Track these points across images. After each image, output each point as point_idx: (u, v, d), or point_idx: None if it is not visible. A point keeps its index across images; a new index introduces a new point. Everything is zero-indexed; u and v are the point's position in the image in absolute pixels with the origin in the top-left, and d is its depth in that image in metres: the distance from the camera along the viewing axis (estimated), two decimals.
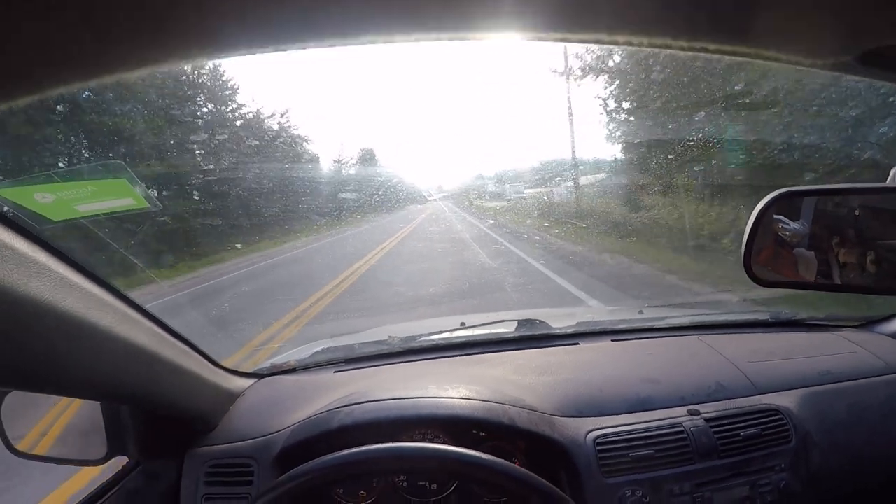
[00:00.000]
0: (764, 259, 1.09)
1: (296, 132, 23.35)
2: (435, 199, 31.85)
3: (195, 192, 17.42)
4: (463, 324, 2.01)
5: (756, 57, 0.37)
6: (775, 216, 1.04)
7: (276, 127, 22.07)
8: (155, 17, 0.27)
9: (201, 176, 16.89)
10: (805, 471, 1.40)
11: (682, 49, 0.37)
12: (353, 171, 28.67)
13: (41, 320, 0.75)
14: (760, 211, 1.02)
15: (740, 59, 0.37)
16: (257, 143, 20.41)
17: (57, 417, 1.44)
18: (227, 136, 18.57)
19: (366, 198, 18.12)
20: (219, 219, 16.91)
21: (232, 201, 17.60)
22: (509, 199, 23.80)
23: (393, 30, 0.32)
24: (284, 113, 23.80)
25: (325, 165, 25.96)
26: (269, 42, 0.32)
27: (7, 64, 0.29)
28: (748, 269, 1.06)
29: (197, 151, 17.49)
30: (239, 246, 16.14)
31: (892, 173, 1.04)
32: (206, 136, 17.98)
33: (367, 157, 30.75)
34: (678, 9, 0.32)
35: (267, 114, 21.88)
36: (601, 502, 1.29)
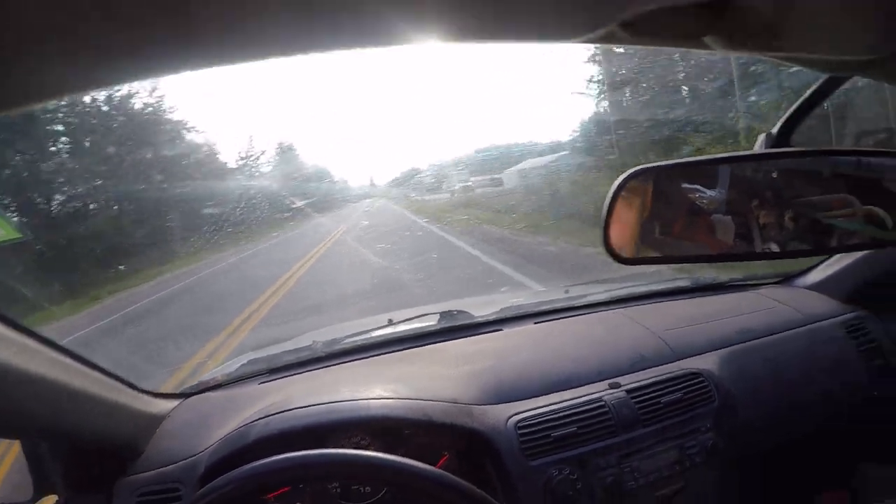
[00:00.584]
0: (677, 230, 1.09)
1: (190, 135, 21.96)
2: (368, 199, 30.72)
3: (75, 216, 16.53)
4: (390, 320, 1.99)
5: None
6: (690, 185, 1.04)
7: (167, 132, 20.65)
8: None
9: (79, 198, 16.05)
10: (730, 428, 1.45)
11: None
12: (268, 171, 26.96)
13: None
14: (614, 192, 1.02)
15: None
16: (148, 155, 19.25)
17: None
18: (112, 151, 17.66)
19: (282, 203, 17.52)
20: (99, 243, 15.96)
21: (125, 220, 16.92)
22: (452, 191, 23.14)
23: (312, 45, 0.32)
24: (166, 107, 21.29)
25: (236, 169, 24.43)
26: (190, 60, 0.31)
27: None
28: (608, 248, 1.05)
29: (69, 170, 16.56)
30: (123, 268, 15.33)
31: (759, 139, 1.07)
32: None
33: (287, 155, 29.03)
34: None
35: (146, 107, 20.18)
36: (529, 485, 1.29)
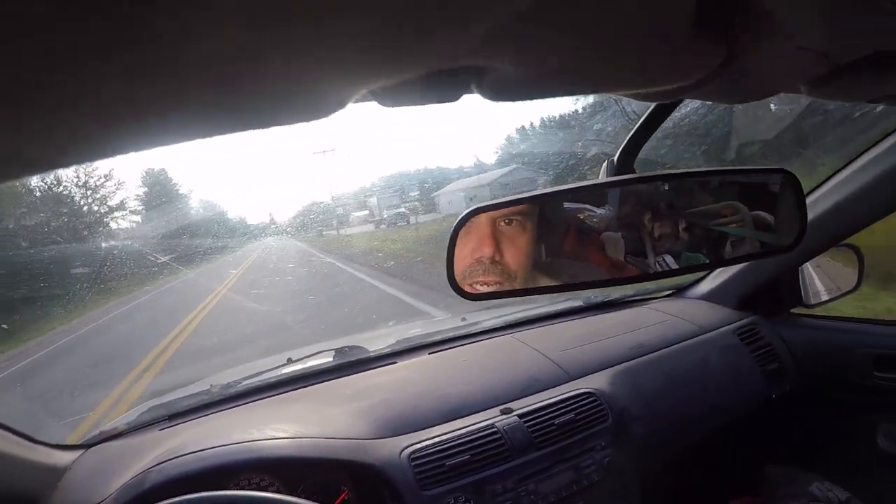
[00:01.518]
0: (568, 250, 1.08)
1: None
2: (266, 237, 29.50)
3: None
4: (289, 359, 1.96)
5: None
6: (573, 205, 1.04)
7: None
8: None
9: None
10: (627, 444, 1.47)
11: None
12: (141, 214, 24.31)
13: None
14: (454, 231, 1.03)
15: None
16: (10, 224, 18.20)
17: None
18: None
19: (156, 254, 16.60)
20: None
21: None
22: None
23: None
24: None
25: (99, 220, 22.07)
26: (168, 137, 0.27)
27: None
28: (454, 286, 1.06)
29: None
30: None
31: (602, 167, 1.08)
32: None
33: (163, 191, 26.08)
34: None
35: None
36: None
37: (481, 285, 1.03)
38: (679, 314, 1.80)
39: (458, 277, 1.03)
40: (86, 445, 1.63)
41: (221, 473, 1.33)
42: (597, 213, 1.04)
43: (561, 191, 1.01)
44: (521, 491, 1.34)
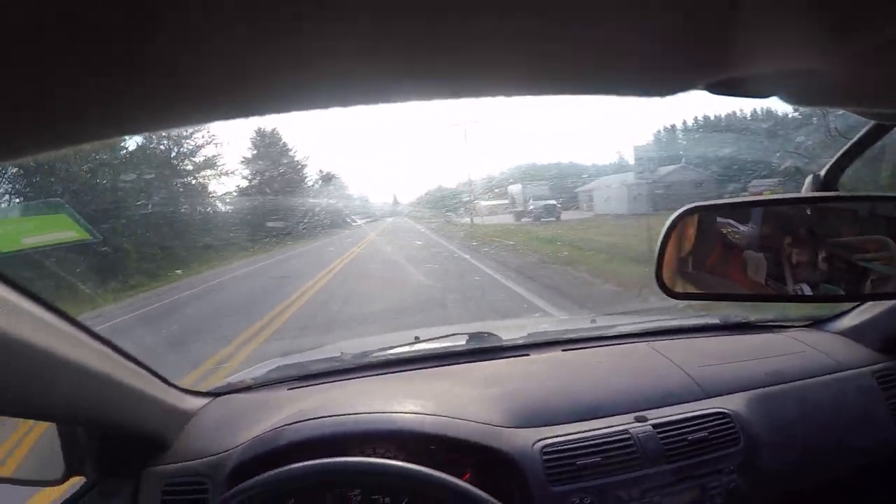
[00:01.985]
0: (711, 264, 1.09)
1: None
2: (390, 217, 29.05)
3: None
4: (417, 338, 2.00)
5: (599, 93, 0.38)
6: (722, 220, 1.04)
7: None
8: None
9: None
10: (754, 471, 1.42)
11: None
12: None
13: None
14: (668, 228, 1.05)
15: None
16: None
17: (22, 438, 1.43)
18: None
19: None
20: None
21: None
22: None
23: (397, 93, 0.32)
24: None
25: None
26: (287, 104, 0.32)
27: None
28: (660, 284, 1.08)
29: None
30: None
31: (806, 182, 1.06)
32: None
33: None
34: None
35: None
36: None
37: (688, 285, 1.06)
38: (817, 346, 1.72)
39: (665, 275, 1.06)
40: (214, 394, 1.70)
41: (355, 440, 1.36)
42: (739, 230, 1.04)
43: (779, 199, 1.03)
44: (644, 502, 1.32)
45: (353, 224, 23.76)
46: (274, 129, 26.10)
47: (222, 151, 28.29)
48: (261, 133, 25.67)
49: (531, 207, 20.59)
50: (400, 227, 25.94)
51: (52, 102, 0.27)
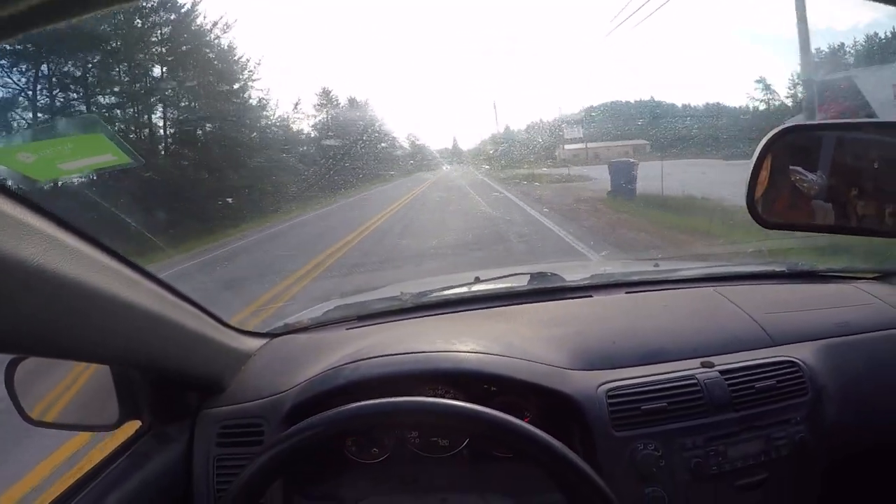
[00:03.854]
0: (780, 209, 1.08)
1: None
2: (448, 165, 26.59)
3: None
4: (477, 278, 1.99)
5: None
6: (792, 167, 1.03)
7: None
8: None
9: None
10: (821, 424, 1.39)
11: None
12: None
13: (43, 285, 0.75)
14: (762, 150, 1.01)
15: None
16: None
17: (72, 384, 1.41)
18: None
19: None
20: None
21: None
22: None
23: None
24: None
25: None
26: None
27: None
28: (751, 210, 1.06)
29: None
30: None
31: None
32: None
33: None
34: None
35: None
36: (612, 456, 1.27)
37: (782, 214, 1.05)
38: (885, 299, 1.67)
39: (756, 201, 1.04)
40: (271, 335, 1.70)
41: (414, 380, 1.36)
42: (807, 178, 1.03)
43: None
44: (709, 450, 1.29)
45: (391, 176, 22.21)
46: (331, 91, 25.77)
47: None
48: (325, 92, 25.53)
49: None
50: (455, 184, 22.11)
51: None
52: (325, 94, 25.27)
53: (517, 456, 1.35)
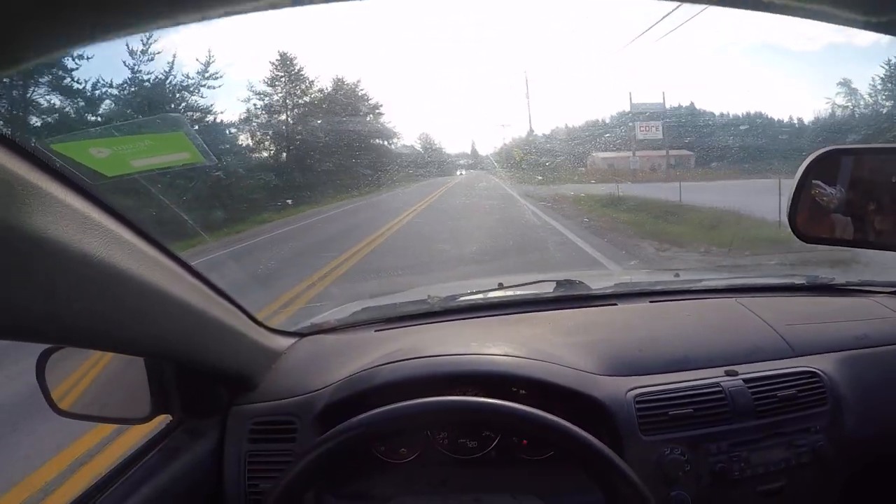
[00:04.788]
0: (801, 221, 1.12)
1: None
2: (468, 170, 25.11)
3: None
4: (501, 284, 2.02)
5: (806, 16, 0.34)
6: (813, 181, 1.07)
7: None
8: None
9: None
10: (838, 434, 1.41)
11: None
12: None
13: (92, 276, 0.77)
14: (805, 171, 1.06)
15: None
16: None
17: (86, 373, 1.42)
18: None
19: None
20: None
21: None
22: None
23: None
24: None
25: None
26: None
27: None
28: (792, 224, 1.11)
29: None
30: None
31: None
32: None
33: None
34: None
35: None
36: (640, 459, 1.29)
37: (823, 230, 1.09)
38: None
39: (798, 219, 1.10)
40: (300, 334, 1.72)
41: (449, 381, 1.38)
42: (826, 192, 1.07)
43: None
44: (733, 455, 1.32)
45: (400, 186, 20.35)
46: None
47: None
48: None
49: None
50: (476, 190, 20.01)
51: None
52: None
53: (553, 457, 1.42)
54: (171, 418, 1.43)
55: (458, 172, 25.64)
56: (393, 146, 24.51)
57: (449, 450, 1.45)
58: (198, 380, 1.40)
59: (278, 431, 1.39)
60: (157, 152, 1.49)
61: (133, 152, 1.45)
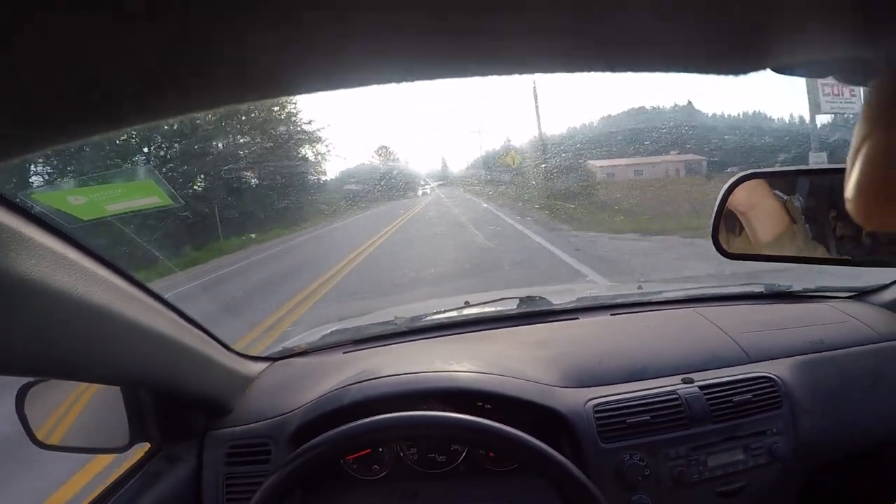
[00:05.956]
0: (762, 228, 1.16)
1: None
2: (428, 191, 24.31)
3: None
4: (466, 302, 2.05)
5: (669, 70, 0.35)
6: (776, 190, 1.10)
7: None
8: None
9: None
10: (794, 436, 1.46)
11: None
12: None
13: (72, 313, 0.78)
14: (725, 192, 1.12)
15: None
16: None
17: (71, 406, 1.43)
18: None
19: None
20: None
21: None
22: None
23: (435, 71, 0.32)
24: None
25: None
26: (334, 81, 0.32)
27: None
28: (716, 244, 1.16)
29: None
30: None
31: (811, 158, 1.12)
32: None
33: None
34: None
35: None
36: (601, 466, 1.34)
37: (741, 246, 1.14)
38: (859, 317, 1.73)
39: (720, 236, 1.15)
40: (271, 359, 1.77)
41: (415, 399, 1.41)
42: (787, 200, 1.09)
43: (823, 169, 1.12)
44: (691, 459, 1.37)
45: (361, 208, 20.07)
46: None
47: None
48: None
49: None
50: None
51: (87, 87, 0.29)
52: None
53: (515, 470, 1.45)
54: (149, 446, 1.45)
55: (421, 192, 24.14)
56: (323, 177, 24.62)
57: (419, 464, 1.47)
58: (174, 407, 1.43)
59: (254, 454, 1.42)
60: (128, 197, 1.53)
61: (107, 198, 1.48)
